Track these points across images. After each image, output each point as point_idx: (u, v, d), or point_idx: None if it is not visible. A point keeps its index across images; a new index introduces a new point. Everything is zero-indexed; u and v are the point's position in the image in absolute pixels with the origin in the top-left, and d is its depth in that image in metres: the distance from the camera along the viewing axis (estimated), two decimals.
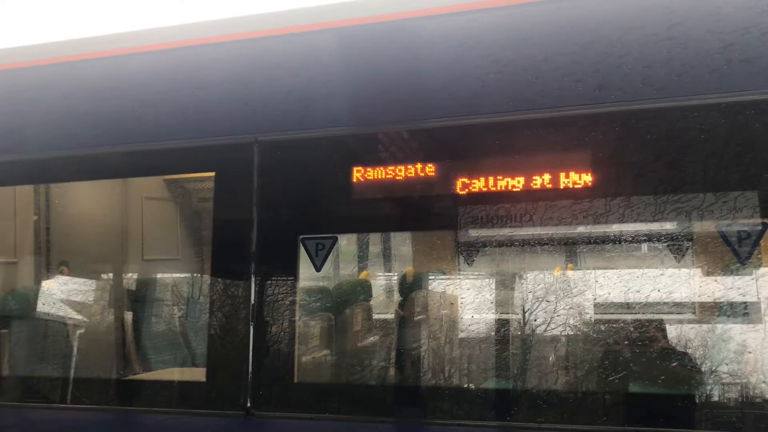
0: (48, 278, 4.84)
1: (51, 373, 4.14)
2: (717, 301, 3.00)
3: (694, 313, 3.18)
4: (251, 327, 3.30)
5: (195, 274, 5.36)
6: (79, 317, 4.68)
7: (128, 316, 4.83)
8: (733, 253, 2.77)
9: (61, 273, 4.88)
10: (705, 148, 2.77)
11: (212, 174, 3.55)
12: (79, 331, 4.57)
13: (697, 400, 2.86)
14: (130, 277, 5.15)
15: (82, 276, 4.87)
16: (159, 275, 5.29)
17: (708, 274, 3.01)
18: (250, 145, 3.39)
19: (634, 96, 2.86)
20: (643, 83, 2.86)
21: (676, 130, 2.80)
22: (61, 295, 4.69)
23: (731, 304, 2.92)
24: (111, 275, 5.09)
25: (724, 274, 2.91)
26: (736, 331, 2.93)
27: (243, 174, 3.38)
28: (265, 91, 3.48)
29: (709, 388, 2.91)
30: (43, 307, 4.51)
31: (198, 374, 3.67)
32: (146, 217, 5.14)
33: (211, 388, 3.37)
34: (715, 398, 2.85)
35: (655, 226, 2.96)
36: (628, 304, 3.19)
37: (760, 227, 2.72)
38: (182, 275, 5.45)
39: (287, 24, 3.53)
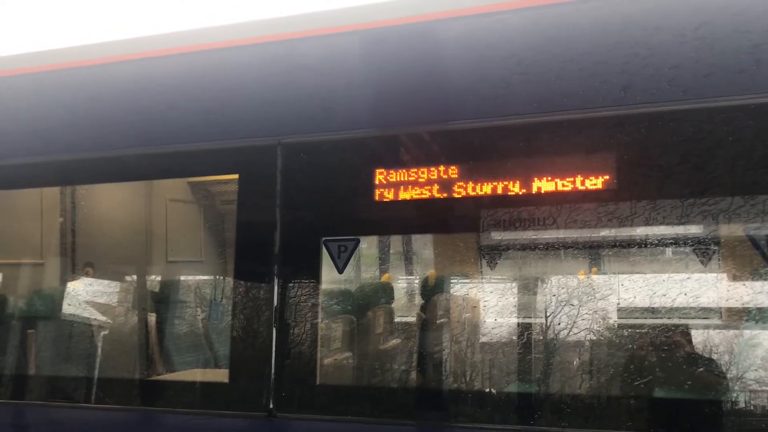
0: (73, 279, 4.89)
1: (76, 373, 4.18)
2: (745, 306, 2.95)
3: (720, 318, 3.14)
4: (274, 329, 3.31)
5: (218, 276, 5.39)
6: (104, 318, 4.73)
7: (152, 317, 4.87)
8: (762, 258, 2.73)
9: (86, 274, 4.93)
10: (733, 150, 2.74)
11: (236, 176, 3.56)
12: (103, 332, 4.62)
13: (723, 407, 2.82)
14: (154, 279, 5.19)
15: (106, 277, 4.92)
16: (183, 277, 5.32)
17: (735, 278, 2.97)
18: (273, 147, 3.41)
19: (661, 97, 2.83)
20: (669, 84, 2.83)
21: (704, 131, 2.77)
22: (86, 296, 4.74)
23: (760, 310, 2.88)
24: (135, 277, 5.13)
25: (752, 279, 2.87)
26: (764, 336, 2.89)
27: (266, 176, 3.40)
28: (289, 94, 3.49)
29: (735, 394, 2.87)
30: (68, 307, 4.56)
31: (221, 375, 3.68)
32: (170, 219, 5.18)
33: (234, 389, 3.38)
34: (742, 405, 2.81)
35: (681, 230, 2.92)
36: (653, 308, 3.15)
37: None
38: (206, 277, 5.48)
39: (311, 27, 3.54)
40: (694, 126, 2.79)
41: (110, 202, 4.94)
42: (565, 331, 3.30)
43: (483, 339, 3.60)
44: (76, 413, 3.78)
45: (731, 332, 3.07)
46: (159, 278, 5.21)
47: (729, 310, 3.08)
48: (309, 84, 3.47)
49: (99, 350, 4.49)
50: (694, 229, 2.91)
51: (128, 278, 5.14)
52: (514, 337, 3.44)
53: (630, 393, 2.93)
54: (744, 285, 2.94)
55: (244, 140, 3.49)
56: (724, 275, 3.01)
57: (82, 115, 3.91)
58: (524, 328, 3.46)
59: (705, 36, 2.84)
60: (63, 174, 4.03)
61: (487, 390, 3.43)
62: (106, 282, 4.93)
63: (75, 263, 5.03)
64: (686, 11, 2.90)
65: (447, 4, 3.31)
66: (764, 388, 2.83)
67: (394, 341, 4.15)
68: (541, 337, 3.36)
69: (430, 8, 3.35)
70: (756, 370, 2.88)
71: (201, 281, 5.39)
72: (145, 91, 3.82)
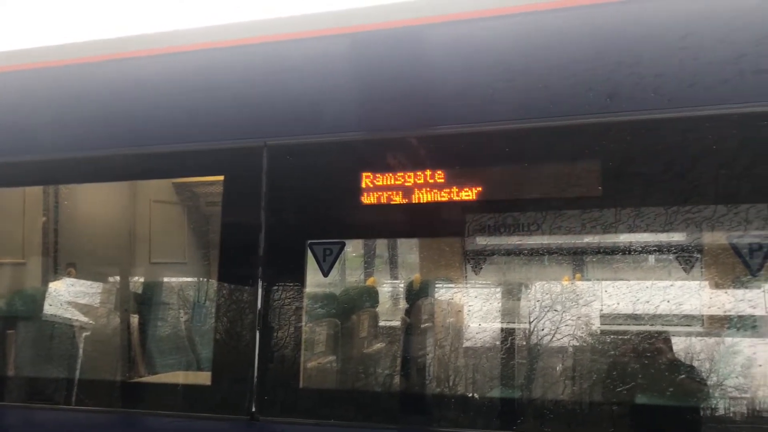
0: (55, 279, 4.85)
1: (56, 375, 4.14)
2: (727, 313, 2.98)
3: (702, 325, 3.16)
4: (257, 332, 3.29)
5: (202, 278, 5.36)
6: (86, 319, 4.68)
7: (134, 319, 4.83)
8: (744, 266, 2.75)
9: (68, 275, 4.88)
10: (716, 159, 2.76)
11: (221, 178, 3.55)
12: (84, 333, 4.58)
13: (703, 413, 2.84)
14: (137, 280, 5.16)
15: (89, 278, 4.88)
16: (166, 279, 5.29)
17: (718, 286, 2.99)
18: (259, 149, 3.39)
19: (645, 105, 2.85)
20: (654, 93, 2.85)
21: (688, 140, 2.79)
22: (67, 296, 4.70)
23: (741, 317, 2.90)
24: (118, 278, 5.09)
25: (734, 287, 2.89)
26: (745, 344, 2.91)
27: (252, 178, 3.39)
28: (275, 96, 3.48)
29: (716, 401, 2.89)
30: (49, 308, 4.52)
31: (203, 378, 3.66)
32: (154, 220, 5.15)
33: (217, 392, 3.36)
34: (722, 412, 2.83)
35: (664, 237, 2.94)
36: (636, 315, 3.17)
37: None
38: (189, 279, 5.45)
39: (298, 29, 3.54)
40: (678, 134, 2.81)
41: (94, 202, 4.90)
42: (549, 337, 3.31)
43: (467, 343, 3.60)
44: (56, 415, 3.74)
45: (713, 339, 3.09)
46: (142, 279, 5.18)
47: (711, 317, 3.11)
48: (295, 86, 3.46)
49: (80, 351, 4.45)
50: (678, 237, 2.93)
51: (111, 279, 5.10)
52: (498, 342, 3.45)
53: (612, 399, 2.94)
54: (726, 293, 2.96)
55: (229, 141, 3.48)
56: (707, 283, 3.04)
57: (66, 115, 3.88)
58: (508, 333, 3.46)
59: (690, 46, 2.86)
60: (47, 173, 4.00)
61: (471, 395, 3.43)
62: (88, 283, 4.88)
63: (57, 263, 4.99)
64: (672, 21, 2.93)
65: (434, 9, 3.32)
66: (744, 395, 2.85)
67: (378, 345, 4.14)
68: (525, 343, 3.37)
69: (416, 13, 3.35)
70: (736, 377, 2.90)
71: (184, 283, 5.36)
72: (130, 91, 3.80)
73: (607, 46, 3.00)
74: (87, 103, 3.86)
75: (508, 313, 3.52)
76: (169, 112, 3.67)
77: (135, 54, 3.86)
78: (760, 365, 2.83)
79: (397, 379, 3.71)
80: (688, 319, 3.12)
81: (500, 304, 3.53)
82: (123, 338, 4.68)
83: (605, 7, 3.07)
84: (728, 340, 2.99)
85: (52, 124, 3.89)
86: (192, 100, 3.63)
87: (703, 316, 3.14)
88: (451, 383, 3.52)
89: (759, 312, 2.83)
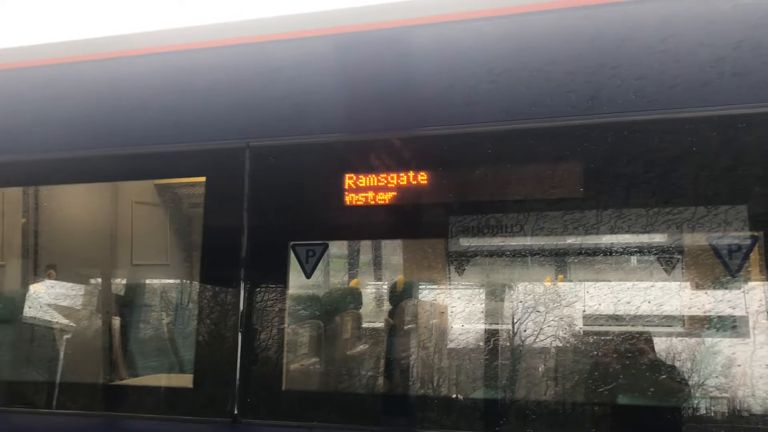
0: (35, 282, 4.80)
1: (37, 378, 4.10)
2: (707, 314, 3.00)
3: (683, 326, 3.18)
4: (240, 334, 3.28)
5: (184, 280, 5.33)
6: (66, 322, 4.64)
7: (116, 321, 4.79)
8: (723, 266, 2.77)
9: (49, 276, 4.84)
10: (696, 161, 2.78)
11: (203, 179, 3.53)
12: (65, 336, 4.53)
13: (685, 413, 2.86)
14: (119, 282, 5.12)
15: (69, 280, 4.84)
16: (148, 280, 5.25)
17: (698, 287, 3.01)
18: (241, 150, 3.38)
19: (626, 107, 2.87)
20: (635, 95, 2.87)
21: (668, 142, 2.81)
22: (48, 298, 4.65)
23: (720, 318, 2.92)
24: (99, 280, 5.05)
25: (714, 288, 2.92)
26: (724, 344, 2.94)
27: (234, 179, 3.37)
28: (258, 97, 3.47)
29: (696, 401, 2.91)
30: (29, 311, 4.47)
31: (185, 380, 3.64)
32: (136, 221, 5.11)
33: (199, 395, 3.34)
34: (703, 411, 2.85)
35: (645, 239, 2.96)
36: (617, 316, 3.19)
37: (750, 241, 2.73)
38: (171, 281, 5.41)
39: (281, 30, 3.53)
40: (658, 136, 2.83)
41: (75, 203, 4.86)
42: (532, 338, 3.32)
43: (450, 345, 3.61)
44: (37, 419, 3.70)
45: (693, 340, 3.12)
46: (124, 281, 5.14)
47: (691, 317, 3.13)
48: (279, 87, 3.45)
49: (61, 354, 4.41)
50: (659, 238, 2.95)
51: (92, 281, 5.05)
52: (481, 343, 3.45)
53: (594, 400, 2.96)
54: (706, 293, 2.99)
55: (212, 143, 3.46)
56: (687, 284, 3.06)
57: (48, 115, 3.84)
58: (491, 334, 3.47)
59: (670, 48, 2.88)
60: (27, 174, 3.96)
61: (454, 396, 3.43)
62: (69, 285, 4.83)
63: (37, 265, 4.94)
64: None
65: (417, 11, 3.32)
66: (724, 394, 2.87)
67: (362, 347, 4.14)
68: (508, 344, 3.38)
69: (399, 14, 3.35)
70: (717, 377, 2.92)
71: (167, 285, 5.32)
72: (112, 91, 3.77)
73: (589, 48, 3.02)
74: (68, 103, 3.83)
75: (491, 314, 3.53)
76: (151, 112, 3.65)
77: (117, 54, 3.83)
78: (739, 365, 2.86)
79: (380, 381, 3.71)
80: (669, 320, 3.15)
81: (483, 306, 3.53)
82: (104, 341, 4.64)
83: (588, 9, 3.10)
84: (708, 340, 3.02)
85: (33, 124, 3.85)
86: (174, 101, 3.61)
87: (683, 316, 3.16)
88: (434, 385, 3.52)
89: (738, 312, 2.86)
